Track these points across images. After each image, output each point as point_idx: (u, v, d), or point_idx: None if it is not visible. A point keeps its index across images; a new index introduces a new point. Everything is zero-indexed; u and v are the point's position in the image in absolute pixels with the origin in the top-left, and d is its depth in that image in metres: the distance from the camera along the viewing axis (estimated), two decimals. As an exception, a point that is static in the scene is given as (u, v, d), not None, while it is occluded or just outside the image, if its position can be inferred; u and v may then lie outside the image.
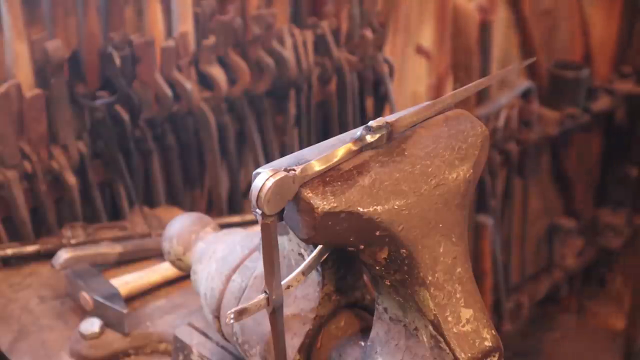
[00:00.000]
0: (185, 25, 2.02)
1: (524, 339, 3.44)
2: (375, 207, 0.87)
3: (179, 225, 1.31)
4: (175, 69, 1.98)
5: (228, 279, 1.14)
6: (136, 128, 1.95)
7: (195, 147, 2.09)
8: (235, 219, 1.91)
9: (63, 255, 1.62)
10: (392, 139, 0.93)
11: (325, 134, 2.36)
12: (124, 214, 1.95)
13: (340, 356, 1.03)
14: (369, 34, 2.37)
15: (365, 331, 1.03)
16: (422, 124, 0.97)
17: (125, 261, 1.67)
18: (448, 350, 0.91)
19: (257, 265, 1.11)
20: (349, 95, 2.36)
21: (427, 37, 2.71)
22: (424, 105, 0.99)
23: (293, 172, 0.85)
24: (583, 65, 3.36)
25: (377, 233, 0.88)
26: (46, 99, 1.79)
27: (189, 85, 1.98)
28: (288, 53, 2.16)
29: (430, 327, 0.91)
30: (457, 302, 0.92)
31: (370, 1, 2.40)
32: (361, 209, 0.86)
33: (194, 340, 1.29)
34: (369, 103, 2.47)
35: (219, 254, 1.19)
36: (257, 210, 0.85)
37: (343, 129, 2.34)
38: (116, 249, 1.66)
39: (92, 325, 1.43)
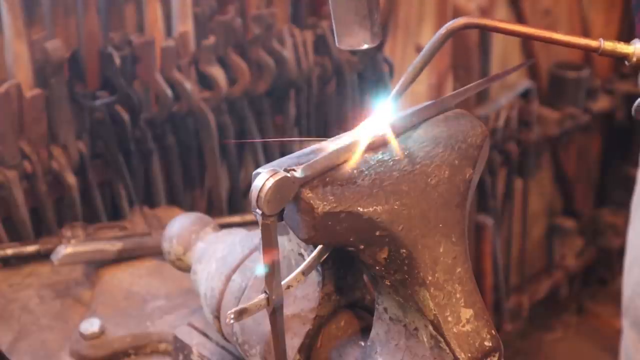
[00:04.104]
0: (185, 25, 2.02)
1: (524, 339, 3.44)
2: (375, 207, 0.87)
3: (179, 225, 1.32)
4: (175, 69, 1.98)
5: (228, 279, 1.15)
6: (136, 128, 1.95)
7: (195, 147, 2.09)
8: (235, 219, 1.91)
9: (62, 250, 1.62)
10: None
11: (325, 134, 2.35)
12: (124, 214, 1.95)
13: (340, 356, 1.03)
14: (369, 34, 2.37)
15: (365, 331, 1.03)
16: (422, 124, 0.98)
17: (124, 258, 1.67)
18: (448, 350, 0.91)
19: (257, 265, 1.11)
20: (349, 95, 2.36)
21: (427, 37, 2.71)
22: (424, 105, 0.99)
23: (293, 172, 0.85)
24: (583, 65, 3.36)
25: (377, 233, 0.88)
26: (46, 99, 1.79)
27: (189, 85, 1.98)
28: (288, 53, 2.16)
29: (430, 327, 0.91)
30: (457, 302, 0.92)
31: (370, 1, 2.39)
32: (361, 209, 0.86)
33: (194, 340, 1.29)
34: (369, 103, 2.47)
35: (219, 254, 1.19)
36: (257, 210, 0.85)
37: (343, 129, 2.34)
38: (116, 245, 1.66)
39: (92, 325, 1.43)
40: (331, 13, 1.00)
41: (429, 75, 2.76)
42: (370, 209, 0.87)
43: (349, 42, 1.01)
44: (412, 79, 0.93)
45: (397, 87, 0.94)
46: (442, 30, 0.91)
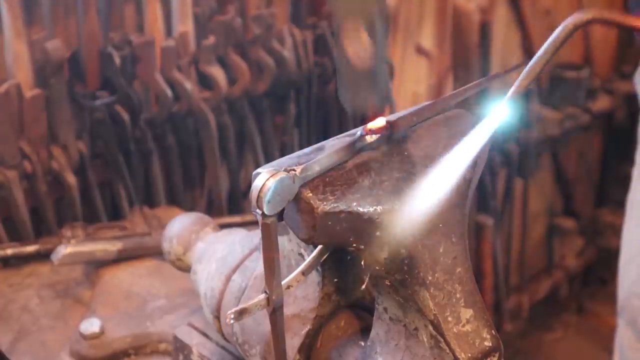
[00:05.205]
0: (185, 25, 2.02)
1: (524, 339, 3.44)
2: (375, 207, 0.87)
3: (179, 225, 1.32)
4: (175, 69, 1.98)
5: (228, 279, 1.14)
6: (136, 128, 1.95)
7: (195, 147, 2.09)
8: (235, 219, 1.91)
9: (62, 250, 1.62)
10: (392, 139, 0.93)
11: (325, 134, 2.35)
12: (124, 214, 1.95)
13: (340, 356, 1.03)
14: (369, 34, 2.37)
15: (365, 331, 1.03)
16: (422, 124, 0.97)
17: (124, 258, 1.67)
18: (448, 350, 0.91)
19: (257, 265, 1.11)
20: (349, 95, 2.36)
21: (427, 37, 2.71)
22: (424, 105, 0.99)
23: (293, 172, 0.85)
24: (583, 66, 3.36)
25: (377, 233, 0.88)
26: (46, 99, 1.79)
27: (189, 85, 1.98)
28: (288, 53, 2.16)
29: (430, 327, 0.91)
30: (457, 302, 0.92)
31: (370, 1, 2.39)
32: (361, 209, 0.86)
33: (194, 340, 1.29)
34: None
35: (219, 254, 1.19)
36: (257, 210, 0.85)
37: (343, 129, 2.34)
38: (116, 245, 1.66)
39: (92, 325, 1.43)
40: (338, 77, 0.98)
41: (429, 75, 2.76)
42: (370, 209, 0.87)
43: (356, 104, 1.00)
44: (534, 78, 0.85)
45: (514, 87, 0.85)
46: (567, 23, 0.83)
